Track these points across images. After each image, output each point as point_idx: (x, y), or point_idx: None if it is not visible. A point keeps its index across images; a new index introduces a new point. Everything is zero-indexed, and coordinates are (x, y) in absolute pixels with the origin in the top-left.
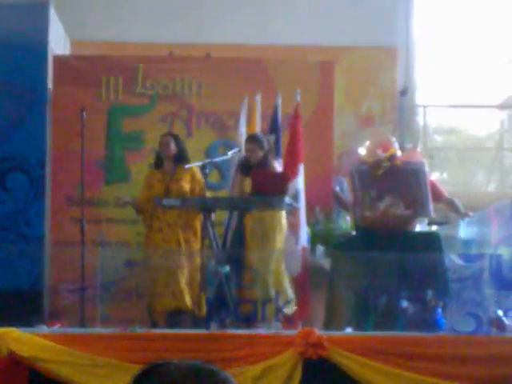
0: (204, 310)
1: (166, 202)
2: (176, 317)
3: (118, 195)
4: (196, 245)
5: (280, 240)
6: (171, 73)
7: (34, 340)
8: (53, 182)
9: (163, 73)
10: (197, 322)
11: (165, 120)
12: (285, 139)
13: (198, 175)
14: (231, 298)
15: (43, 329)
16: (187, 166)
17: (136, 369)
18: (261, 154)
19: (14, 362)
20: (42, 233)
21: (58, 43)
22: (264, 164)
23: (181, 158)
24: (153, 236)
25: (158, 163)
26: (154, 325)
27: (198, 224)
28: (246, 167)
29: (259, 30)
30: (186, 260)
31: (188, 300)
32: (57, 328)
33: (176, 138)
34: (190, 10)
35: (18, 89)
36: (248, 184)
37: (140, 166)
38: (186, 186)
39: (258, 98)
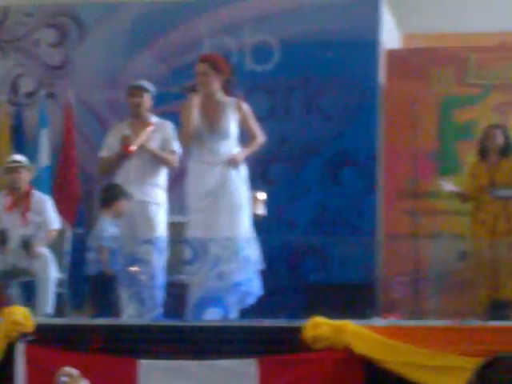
0: None
1: (502, 192)
2: (503, 309)
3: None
4: None
5: None
6: (505, 61)
7: (369, 336)
8: (385, 174)
9: (496, 62)
10: None
11: (498, 109)
12: None
13: None
14: None
15: (378, 321)
16: None
17: (471, 363)
18: None
19: (350, 354)
20: (374, 226)
21: (389, 38)
22: None
23: (507, 150)
24: (476, 227)
25: (483, 155)
26: (484, 316)
27: None
28: None
29: None
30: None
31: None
32: (392, 320)
33: (504, 129)
34: None
35: (350, 85)
36: None
37: (473, 158)
38: None
39: None
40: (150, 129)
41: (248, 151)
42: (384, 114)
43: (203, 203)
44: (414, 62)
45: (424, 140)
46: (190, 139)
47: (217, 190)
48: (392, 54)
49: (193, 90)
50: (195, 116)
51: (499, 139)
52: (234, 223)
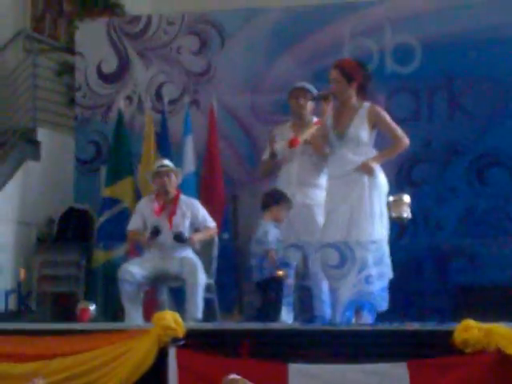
0: None
1: None
2: None
3: None
4: None
5: None
6: None
7: None
8: None
9: None
10: None
11: None
12: None
13: None
14: None
15: None
16: None
17: None
18: None
19: (502, 357)
20: None
21: None
22: None
23: None
24: None
25: None
26: None
27: None
28: None
29: None
30: None
31: None
32: None
33: None
34: None
35: (493, 83)
36: None
37: None
38: None
39: None
40: (314, 128)
41: (386, 156)
42: None
43: (337, 209)
44: None
45: None
46: (322, 145)
47: (349, 197)
48: None
49: (325, 97)
50: (325, 123)
51: None
52: (366, 230)
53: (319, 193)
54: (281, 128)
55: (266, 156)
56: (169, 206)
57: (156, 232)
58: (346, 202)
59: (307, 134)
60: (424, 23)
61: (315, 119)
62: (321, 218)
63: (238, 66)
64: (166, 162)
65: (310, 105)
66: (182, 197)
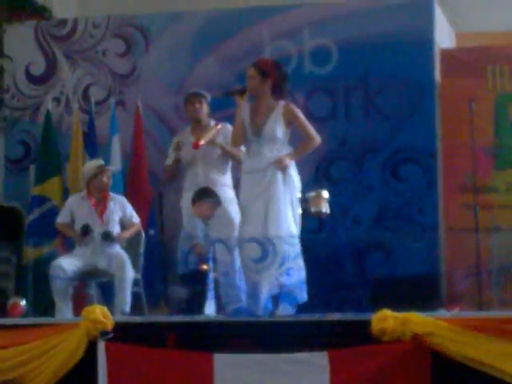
0: None
1: None
2: None
3: (509, 181)
4: None
5: None
6: None
7: (435, 327)
8: (444, 170)
9: None
10: None
11: None
12: None
13: None
14: None
15: (443, 313)
16: None
17: None
18: None
19: (417, 345)
20: (436, 221)
21: (444, 37)
22: None
23: None
24: None
25: None
26: None
27: None
28: None
29: None
30: None
31: None
32: (457, 312)
33: None
34: None
35: (407, 84)
36: None
37: None
38: None
39: None
40: (217, 127)
41: (299, 153)
42: (441, 112)
43: (253, 203)
44: (469, 60)
45: (481, 136)
46: (239, 140)
47: (264, 193)
48: (447, 53)
49: (240, 93)
50: (241, 119)
51: None
52: (285, 224)
53: (228, 190)
54: (182, 135)
55: (168, 162)
56: (100, 203)
57: (86, 231)
58: (261, 197)
59: (208, 135)
60: (340, 26)
61: (213, 122)
62: (235, 213)
63: (163, 68)
64: (102, 161)
65: (206, 108)
66: (112, 194)
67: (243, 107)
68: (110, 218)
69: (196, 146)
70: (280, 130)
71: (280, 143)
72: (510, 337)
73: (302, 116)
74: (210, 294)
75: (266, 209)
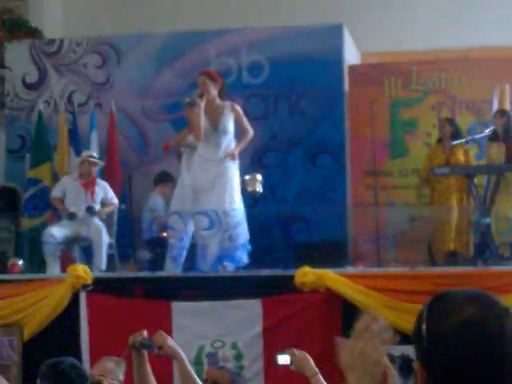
0: (471, 251)
1: (437, 170)
2: (451, 257)
3: (401, 168)
4: (465, 203)
5: None
6: (438, 72)
7: (343, 281)
8: (351, 158)
9: (431, 72)
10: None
11: (434, 108)
12: None
13: (467, 149)
14: (492, 242)
15: (350, 269)
16: (454, 143)
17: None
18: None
19: (330, 295)
20: (345, 198)
21: (351, 55)
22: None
23: (456, 136)
24: (435, 196)
25: (440, 141)
26: (433, 263)
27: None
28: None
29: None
30: (458, 214)
31: (459, 243)
32: (361, 268)
33: (451, 121)
34: (454, 19)
35: (323, 92)
36: (493, 152)
37: (416, 145)
38: (461, 158)
39: (507, 87)
40: (184, 133)
41: (242, 145)
42: (349, 113)
43: (207, 184)
44: (371, 73)
45: (380, 132)
46: (203, 134)
47: (217, 178)
48: (353, 69)
49: (200, 97)
50: (203, 116)
51: (448, 128)
52: (228, 200)
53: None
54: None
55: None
56: (88, 185)
57: (72, 216)
58: (213, 181)
59: (178, 139)
60: (272, 46)
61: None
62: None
63: (131, 78)
64: (93, 153)
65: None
66: (98, 180)
67: (202, 107)
68: (95, 198)
69: (165, 148)
70: (230, 125)
71: (230, 135)
72: (403, 288)
73: (243, 114)
74: (171, 255)
75: (217, 188)
